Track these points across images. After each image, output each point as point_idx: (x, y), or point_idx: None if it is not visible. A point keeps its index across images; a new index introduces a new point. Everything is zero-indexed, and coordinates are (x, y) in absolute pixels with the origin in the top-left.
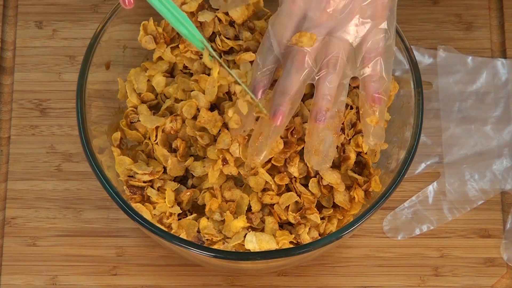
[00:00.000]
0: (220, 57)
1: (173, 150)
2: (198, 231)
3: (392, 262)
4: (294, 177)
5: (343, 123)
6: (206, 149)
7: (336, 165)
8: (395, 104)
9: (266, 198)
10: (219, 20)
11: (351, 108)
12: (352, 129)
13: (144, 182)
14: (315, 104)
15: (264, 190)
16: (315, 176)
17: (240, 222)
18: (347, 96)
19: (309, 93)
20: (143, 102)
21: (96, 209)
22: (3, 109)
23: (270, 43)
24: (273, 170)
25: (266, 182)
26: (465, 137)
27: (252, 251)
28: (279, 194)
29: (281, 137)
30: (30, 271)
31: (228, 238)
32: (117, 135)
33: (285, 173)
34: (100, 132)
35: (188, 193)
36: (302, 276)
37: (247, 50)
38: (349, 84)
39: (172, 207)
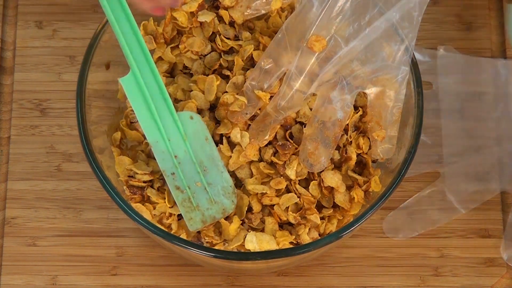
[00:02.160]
0: (220, 57)
1: None
2: (198, 232)
3: (392, 262)
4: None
5: (347, 124)
6: None
7: (337, 166)
8: None
9: (265, 200)
10: (219, 20)
11: (356, 109)
12: (355, 131)
13: (144, 182)
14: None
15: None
16: (315, 179)
17: (235, 224)
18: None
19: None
20: None
21: (96, 209)
22: (3, 109)
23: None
24: (272, 170)
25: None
26: (465, 137)
27: (252, 251)
28: (279, 196)
29: (280, 140)
30: (30, 271)
31: (228, 241)
32: (117, 135)
33: (281, 177)
34: (100, 132)
35: None
36: (302, 276)
37: None
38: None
39: (172, 207)
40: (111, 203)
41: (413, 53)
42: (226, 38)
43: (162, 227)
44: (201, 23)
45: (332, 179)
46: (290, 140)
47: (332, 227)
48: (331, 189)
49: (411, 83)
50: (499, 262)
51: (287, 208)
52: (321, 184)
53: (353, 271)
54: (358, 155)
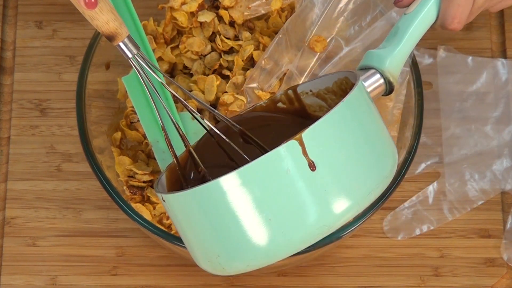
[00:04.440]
0: (220, 57)
1: None
2: None
3: (392, 262)
4: None
5: None
6: None
7: None
8: None
9: None
10: (219, 20)
11: None
12: None
13: (144, 182)
14: None
15: None
16: None
17: None
18: None
19: None
20: None
21: (96, 209)
22: (3, 109)
23: None
24: None
25: None
26: (465, 137)
27: None
28: None
29: None
30: (30, 271)
31: None
32: (118, 135)
33: None
34: (100, 132)
35: None
36: (302, 276)
37: None
38: None
39: None
40: (111, 203)
41: (413, 53)
42: (226, 38)
43: (162, 227)
44: (201, 23)
45: None
46: None
47: None
48: None
49: (411, 83)
50: (499, 262)
51: None
52: None
53: (353, 271)
54: None
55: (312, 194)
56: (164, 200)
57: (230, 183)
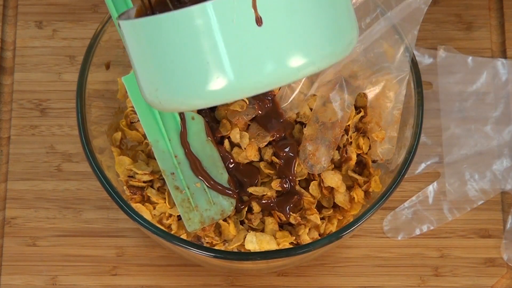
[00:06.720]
0: None
1: None
2: None
3: (392, 262)
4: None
5: (348, 125)
6: None
7: (337, 166)
8: None
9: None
10: None
11: (357, 109)
12: (355, 132)
13: (144, 182)
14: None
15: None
16: (315, 179)
17: (231, 226)
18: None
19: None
20: None
21: (96, 209)
22: (3, 109)
23: None
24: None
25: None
26: (465, 137)
27: (252, 251)
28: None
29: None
30: (30, 271)
31: (228, 241)
32: (118, 135)
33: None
34: (100, 132)
35: None
36: (302, 276)
37: None
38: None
39: (172, 208)
40: (111, 203)
41: (413, 53)
42: None
43: (162, 227)
44: None
45: (332, 179)
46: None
47: (332, 227)
48: (331, 189)
49: (411, 83)
50: (499, 262)
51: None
52: (321, 184)
53: (353, 271)
54: (358, 155)
55: (258, 48)
56: (120, 26)
57: (181, 19)
